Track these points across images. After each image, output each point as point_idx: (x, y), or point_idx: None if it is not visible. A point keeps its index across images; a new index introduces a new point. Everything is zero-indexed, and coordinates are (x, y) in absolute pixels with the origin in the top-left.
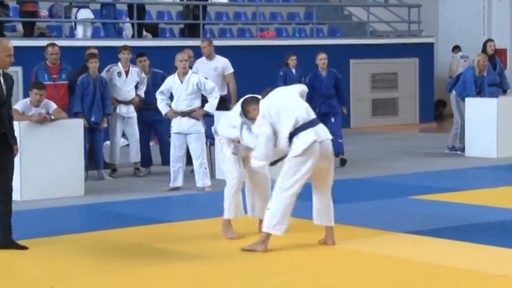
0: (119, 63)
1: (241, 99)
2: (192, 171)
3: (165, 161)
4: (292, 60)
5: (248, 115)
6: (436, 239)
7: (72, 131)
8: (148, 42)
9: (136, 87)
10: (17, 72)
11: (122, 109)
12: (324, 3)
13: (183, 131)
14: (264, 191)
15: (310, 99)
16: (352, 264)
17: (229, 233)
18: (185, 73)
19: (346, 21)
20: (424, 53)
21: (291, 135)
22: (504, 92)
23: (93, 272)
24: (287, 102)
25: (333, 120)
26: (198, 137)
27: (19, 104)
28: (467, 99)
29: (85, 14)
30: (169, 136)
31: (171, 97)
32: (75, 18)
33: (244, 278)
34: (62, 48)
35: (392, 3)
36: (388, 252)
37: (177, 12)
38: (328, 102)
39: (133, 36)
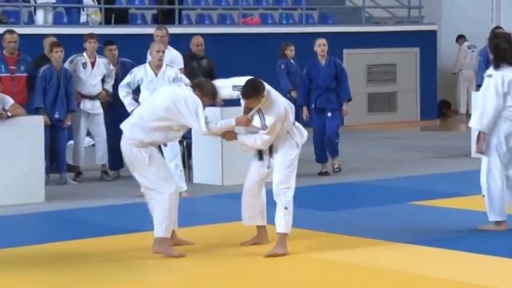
0: (84, 54)
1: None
2: None
3: None
4: (291, 51)
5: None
6: (439, 249)
7: (32, 129)
8: (118, 29)
9: (103, 80)
10: None
11: (87, 105)
12: None
13: None
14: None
15: (308, 92)
16: (345, 279)
17: (175, 251)
18: (160, 65)
19: (339, 6)
20: (426, 41)
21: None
22: None
23: None
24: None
25: (329, 114)
26: None
27: None
28: (473, 92)
29: None
30: None
31: (136, 91)
32: (35, 2)
33: None
34: (19, 36)
35: None
36: (387, 264)
37: None
38: (326, 96)
39: (100, 23)
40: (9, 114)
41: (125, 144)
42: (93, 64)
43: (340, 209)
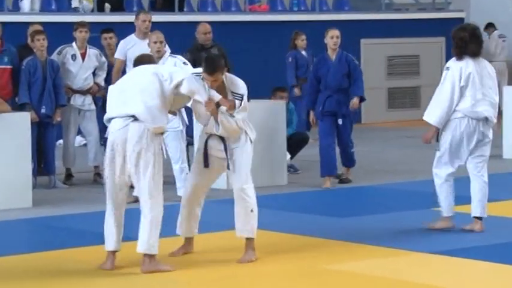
0: (74, 44)
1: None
2: None
3: None
4: (303, 41)
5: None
6: (467, 260)
7: (18, 126)
8: (112, 17)
9: (94, 73)
10: None
11: (77, 100)
12: None
13: None
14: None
15: (315, 93)
16: None
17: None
18: (160, 57)
19: None
20: None
21: None
22: None
23: None
24: None
25: (340, 122)
26: (175, 136)
27: None
28: (506, 87)
29: None
30: None
31: None
32: None
33: None
34: (3, 24)
35: None
36: (409, 277)
37: None
38: (336, 98)
39: (92, 10)
40: None
41: None
42: (83, 56)
43: (357, 215)
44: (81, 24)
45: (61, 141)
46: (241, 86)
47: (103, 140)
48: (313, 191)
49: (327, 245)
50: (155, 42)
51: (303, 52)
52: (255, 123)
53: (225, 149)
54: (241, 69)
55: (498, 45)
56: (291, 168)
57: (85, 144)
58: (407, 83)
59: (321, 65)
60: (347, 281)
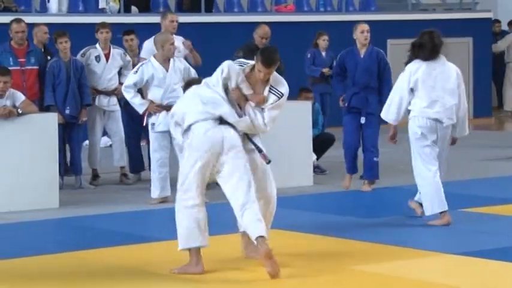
0: (97, 45)
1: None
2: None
3: None
4: (324, 41)
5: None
6: (496, 262)
7: (45, 128)
8: (138, 18)
9: (119, 73)
10: None
11: (103, 101)
12: None
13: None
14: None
15: (342, 81)
16: None
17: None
18: (169, 59)
19: None
20: (480, 31)
21: None
22: None
23: None
24: None
25: (363, 120)
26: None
27: None
28: None
29: None
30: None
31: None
32: None
33: None
34: (31, 25)
35: None
36: (435, 278)
37: None
38: (364, 95)
39: (119, 11)
40: (20, 112)
41: None
42: (107, 56)
43: (382, 216)
44: (102, 25)
45: (87, 142)
46: (284, 86)
47: None
48: (339, 192)
49: (352, 246)
50: (172, 44)
51: (323, 53)
52: (280, 124)
53: (254, 144)
54: None
55: None
56: (317, 169)
57: (111, 145)
58: None
59: (349, 58)
60: (372, 282)
